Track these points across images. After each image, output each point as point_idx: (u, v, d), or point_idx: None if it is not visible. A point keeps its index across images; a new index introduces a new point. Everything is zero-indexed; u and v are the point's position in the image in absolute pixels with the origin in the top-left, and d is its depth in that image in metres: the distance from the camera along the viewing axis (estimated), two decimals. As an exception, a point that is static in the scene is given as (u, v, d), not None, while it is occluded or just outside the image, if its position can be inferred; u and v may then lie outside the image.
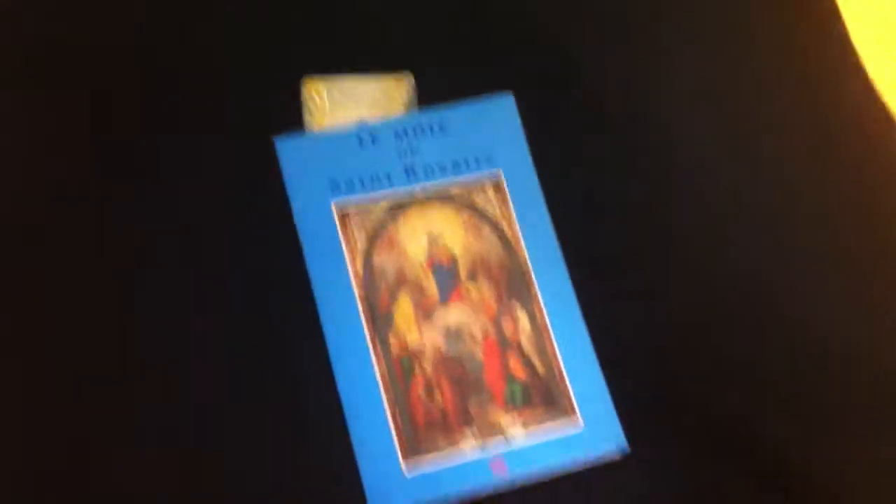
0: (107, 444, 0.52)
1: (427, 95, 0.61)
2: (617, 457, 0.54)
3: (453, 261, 0.56)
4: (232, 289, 0.56)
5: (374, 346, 0.54)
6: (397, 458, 0.51)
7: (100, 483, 0.51)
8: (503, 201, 0.58)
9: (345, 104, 0.60)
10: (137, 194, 0.58)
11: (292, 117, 0.60)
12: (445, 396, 0.53)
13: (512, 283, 0.56)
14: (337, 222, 0.56)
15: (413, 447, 0.52)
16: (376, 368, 0.53)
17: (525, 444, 0.53)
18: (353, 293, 0.55)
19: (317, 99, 0.60)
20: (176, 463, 0.52)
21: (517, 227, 0.57)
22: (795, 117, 0.65)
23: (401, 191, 0.58)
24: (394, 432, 0.52)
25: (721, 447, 0.55)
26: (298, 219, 0.56)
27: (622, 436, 0.54)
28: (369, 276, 0.55)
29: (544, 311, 0.56)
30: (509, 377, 0.54)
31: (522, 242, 0.57)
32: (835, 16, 0.70)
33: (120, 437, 0.52)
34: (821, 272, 0.60)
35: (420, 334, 0.54)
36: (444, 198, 0.58)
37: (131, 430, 0.52)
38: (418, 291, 0.55)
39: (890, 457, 0.56)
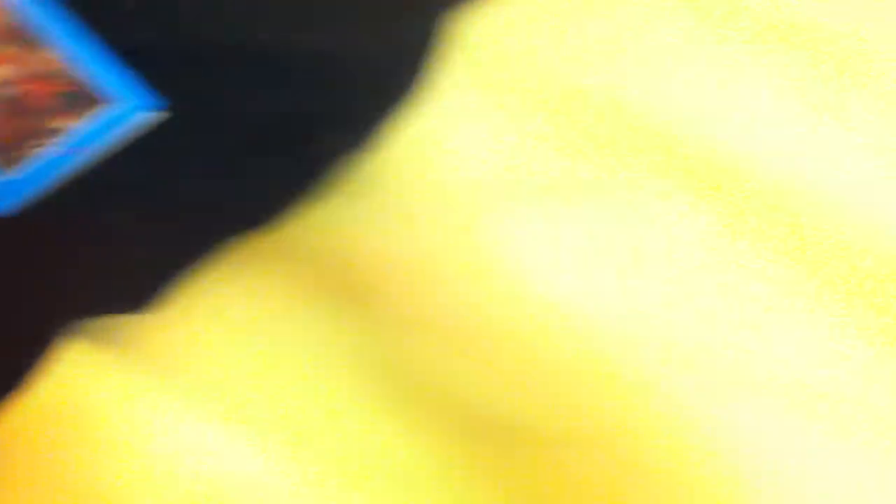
0: None
1: None
2: (161, 115, 0.65)
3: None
4: None
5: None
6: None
7: None
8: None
9: None
10: None
11: None
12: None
13: (22, 42, 0.67)
14: None
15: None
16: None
17: (82, 131, 0.64)
18: None
19: None
20: None
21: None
22: None
23: None
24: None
25: (255, 84, 0.67)
26: None
27: (155, 97, 0.65)
28: None
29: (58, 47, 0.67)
30: (55, 96, 0.66)
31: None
32: None
33: None
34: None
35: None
36: None
37: None
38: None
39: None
